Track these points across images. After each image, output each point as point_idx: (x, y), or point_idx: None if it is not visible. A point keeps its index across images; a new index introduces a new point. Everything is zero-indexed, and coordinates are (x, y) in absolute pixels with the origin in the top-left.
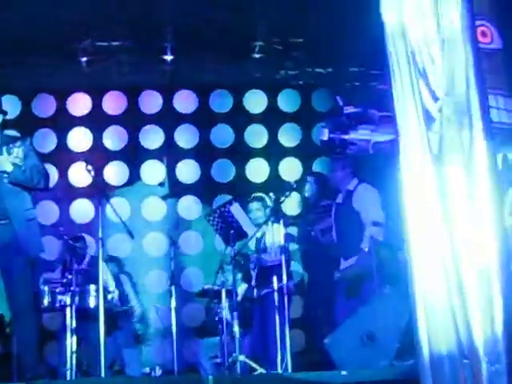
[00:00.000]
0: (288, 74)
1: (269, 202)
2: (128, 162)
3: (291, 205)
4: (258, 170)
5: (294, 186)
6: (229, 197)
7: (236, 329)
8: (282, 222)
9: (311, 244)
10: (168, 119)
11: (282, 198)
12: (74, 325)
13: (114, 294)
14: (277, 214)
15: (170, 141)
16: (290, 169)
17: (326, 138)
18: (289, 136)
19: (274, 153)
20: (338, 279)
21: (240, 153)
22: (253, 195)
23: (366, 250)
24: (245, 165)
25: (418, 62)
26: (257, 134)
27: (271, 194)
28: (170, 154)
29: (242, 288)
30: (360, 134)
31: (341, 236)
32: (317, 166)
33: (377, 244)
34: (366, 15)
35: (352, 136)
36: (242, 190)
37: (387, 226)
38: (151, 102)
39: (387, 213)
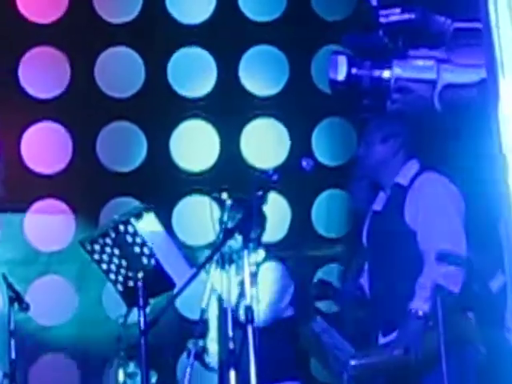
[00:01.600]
0: None
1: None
2: None
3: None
4: (196, 146)
5: (274, 177)
6: (134, 202)
7: None
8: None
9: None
10: None
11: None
12: None
13: None
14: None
15: None
16: (264, 143)
17: (342, 76)
18: (262, 73)
19: (230, 109)
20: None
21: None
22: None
23: (421, 313)
24: (169, 133)
25: None
26: (192, 68)
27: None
28: None
29: None
30: (416, 70)
31: (379, 285)
32: (321, 139)
33: (446, 301)
34: None
35: (398, 72)
36: (165, 186)
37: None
38: None
39: (470, 232)
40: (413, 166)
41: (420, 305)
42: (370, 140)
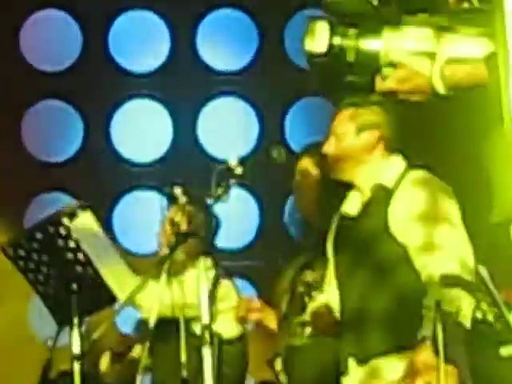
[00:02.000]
0: None
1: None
2: None
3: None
4: (143, 130)
5: (239, 170)
6: (66, 198)
7: None
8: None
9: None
10: None
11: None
12: None
13: None
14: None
15: None
16: (227, 128)
17: (322, 47)
18: (225, 42)
19: (184, 86)
20: None
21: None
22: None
23: (427, 345)
24: (111, 114)
25: None
26: (139, 34)
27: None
28: None
29: None
30: (411, 40)
31: (354, 304)
32: (295, 123)
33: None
34: None
35: (390, 43)
36: (104, 179)
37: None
38: None
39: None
40: (398, 164)
41: (427, 332)
42: (341, 132)
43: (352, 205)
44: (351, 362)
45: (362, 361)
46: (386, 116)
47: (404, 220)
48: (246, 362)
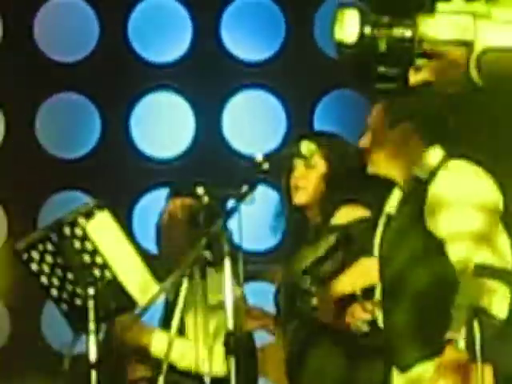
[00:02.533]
0: None
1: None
2: None
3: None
4: (164, 125)
5: (265, 166)
6: (83, 198)
7: None
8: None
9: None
10: None
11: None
12: None
13: None
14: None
15: None
16: (253, 122)
17: (352, 36)
18: (250, 32)
19: (208, 78)
20: None
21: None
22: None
23: (462, 345)
24: (130, 108)
25: None
26: (160, 23)
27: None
28: None
29: None
30: (447, 28)
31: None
32: (325, 116)
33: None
34: None
35: (424, 31)
36: (123, 177)
37: None
38: None
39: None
40: (434, 154)
41: (458, 333)
42: (375, 125)
43: (392, 202)
44: (394, 371)
45: (402, 369)
46: (422, 106)
47: (440, 207)
48: None
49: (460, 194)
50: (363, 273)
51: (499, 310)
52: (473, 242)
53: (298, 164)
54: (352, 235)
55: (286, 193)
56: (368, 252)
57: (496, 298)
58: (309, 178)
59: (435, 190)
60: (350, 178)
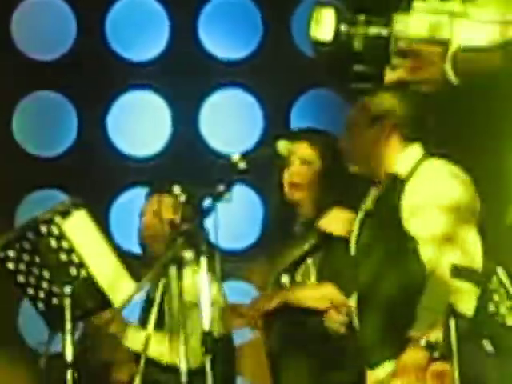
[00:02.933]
0: None
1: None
2: None
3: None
4: (141, 123)
5: (242, 165)
6: (60, 196)
7: None
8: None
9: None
10: None
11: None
12: None
13: None
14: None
15: None
16: (230, 121)
17: (329, 34)
18: (228, 30)
19: (185, 76)
20: None
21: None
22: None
23: (423, 343)
24: (107, 107)
25: None
26: (138, 21)
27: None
28: None
29: None
30: (423, 27)
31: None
32: (302, 115)
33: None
34: None
35: (400, 30)
36: (100, 175)
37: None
38: None
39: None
40: (413, 152)
41: (423, 332)
42: (353, 125)
43: (369, 200)
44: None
45: (371, 366)
46: (399, 103)
47: (417, 209)
48: None
49: (430, 195)
50: (324, 297)
51: (467, 309)
52: (440, 244)
53: (294, 160)
54: (334, 237)
55: (277, 188)
56: (348, 253)
57: (463, 297)
58: (304, 174)
59: (409, 189)
60: (342, 177)
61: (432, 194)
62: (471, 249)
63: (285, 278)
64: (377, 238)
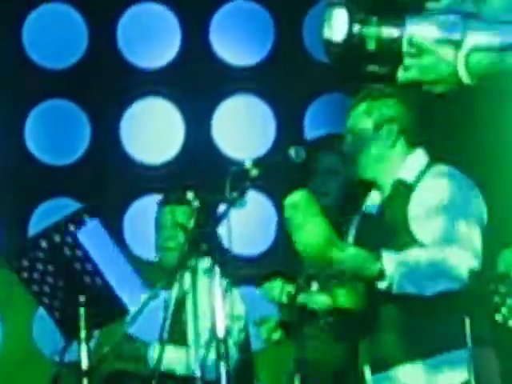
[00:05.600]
0: None
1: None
2: None
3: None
4: (154, 131)
5: (254, 171)
6: (73, 204)
7: None
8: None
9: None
10: None
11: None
12: None
13: None
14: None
15: None
16: (242, 127)
17: (341, 35)
18: (240, 37)
19: (197, 83)
20: None
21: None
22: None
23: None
24: (120, 114)
25: None
26: (150, 28)
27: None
28: None
29: None
30: (435, 27)
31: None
32: (315, 121)
33: None
34: None
35: (413, 30)
36: (113, 183)
37: None
38: None
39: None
40: (419, 158)
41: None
42: (358, 129)
43: (372, 203)
44: (367, 371)
45: (378, 369)
46: (404, 108)
47: (423, 214)
48: None
49: (437, 200)
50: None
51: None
52: (452, 248)
53: (320, 170)
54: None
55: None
56: None
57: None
58: (330, 184)
59: (416, 194)
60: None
61: (439, 200)
62: (476, 252)
63: (313, 285)
64: (381, 243)
